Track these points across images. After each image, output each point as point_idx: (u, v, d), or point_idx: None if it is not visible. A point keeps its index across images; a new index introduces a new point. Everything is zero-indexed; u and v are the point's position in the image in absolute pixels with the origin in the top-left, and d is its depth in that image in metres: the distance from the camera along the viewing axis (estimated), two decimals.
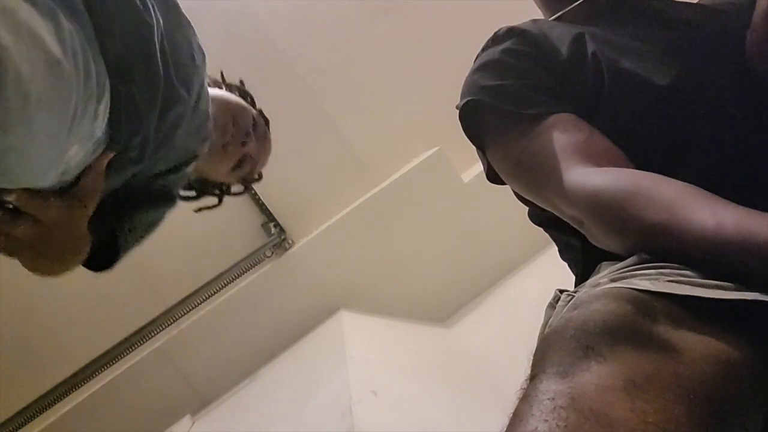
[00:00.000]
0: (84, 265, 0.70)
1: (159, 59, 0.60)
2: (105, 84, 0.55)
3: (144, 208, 0.72)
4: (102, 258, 0.71)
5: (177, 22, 0.67)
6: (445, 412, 1.14)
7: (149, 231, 0.76)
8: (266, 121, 1.04)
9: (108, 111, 0.56)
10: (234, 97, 0.96)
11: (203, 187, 1.00)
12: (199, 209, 1.02)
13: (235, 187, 1.07)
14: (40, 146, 0.48)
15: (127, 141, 0.59)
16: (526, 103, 0.65)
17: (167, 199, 0.76)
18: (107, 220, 0.67)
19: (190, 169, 0.77)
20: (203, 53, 0.74)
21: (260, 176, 1.07)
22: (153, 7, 0.61)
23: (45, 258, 0.61)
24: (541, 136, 0.63)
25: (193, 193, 1.00)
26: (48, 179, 0.53)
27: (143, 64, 0.59)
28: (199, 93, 0.71)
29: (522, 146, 0.65)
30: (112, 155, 0.58)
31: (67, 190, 0.58)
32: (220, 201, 1.04)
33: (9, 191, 0.52)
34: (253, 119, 0.97)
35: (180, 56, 0.65)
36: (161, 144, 0.65)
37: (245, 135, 0.94)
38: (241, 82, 1.05)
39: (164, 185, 0.74)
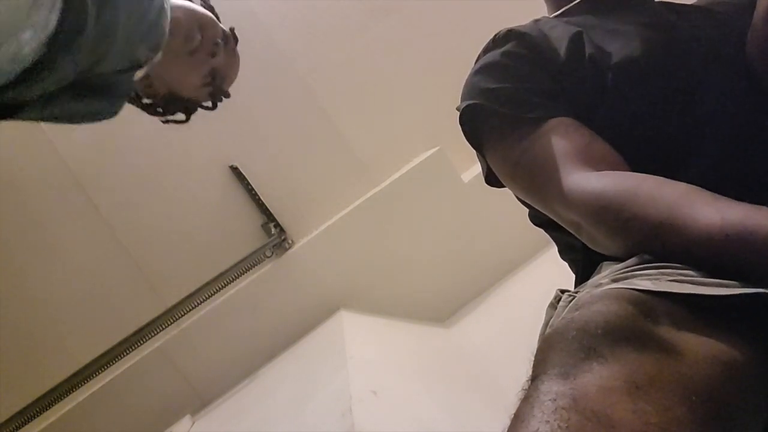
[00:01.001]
0: None
1: None
2: None
3: (66, 94, 0.71)
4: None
5: None
6: (445, 412, 1.14)
7: (71, 118, 0.75)
8: (236, 39, 1.03)
9: (62, 3, 0.55)
10: (202, 9, 0.95)
11: (171, 102, 0.99)
12: (167, 121, 1.01)
13: (205, 104, 1.05)
14: (3, 20, 0.48)
15: (73, 37, 0.59)
16: (526, 106, 0.65)
17: (102, 93, 0.75)
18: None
19: (136, 76, 0.76)
20: None
21: (228, 94, 1.06)
22: None
23: None
24: (541, 140, 0.63)
25: (160, 110, 0.99)
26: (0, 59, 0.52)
27: None
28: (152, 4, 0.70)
29: (521, 150, 0.65)
30: None
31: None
32: (188, 117, 1.04)
33: None
34: (223, 33, 0.97)
35: None
36: (100, 43, 0.64)
37: (214, 45, 0.94)
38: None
39: (103, 83, 0.72)
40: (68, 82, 0.65)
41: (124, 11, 0.65)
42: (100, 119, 0.76)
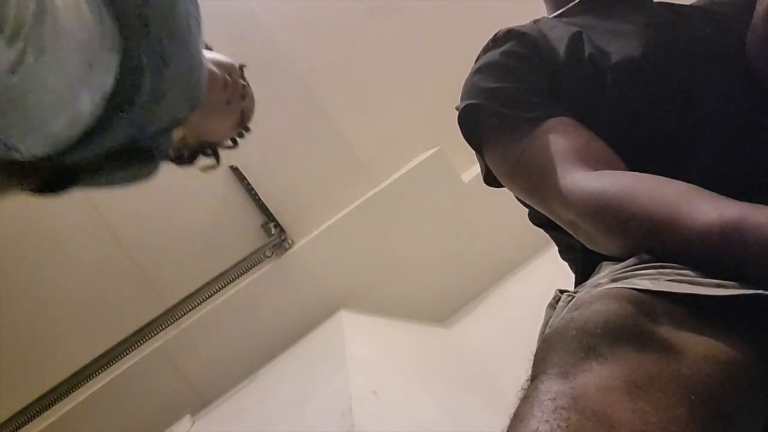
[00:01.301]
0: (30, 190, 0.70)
1: (161, 17, 0.60)
2: (117, 38, 0.55)
3: (115, 161, 0.71)
4: (55, 182, 0.70)
5: None
6: (445, 412, 1.14)
7: (114, 183, 0.75)
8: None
9: (119, 66, 0.56)
10: (221, 55, 0.96)
11: (200, 150, 1.00)
12: (206, 168, 1.02)
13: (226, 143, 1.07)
14: (60, 81, 0.48)
15: (130, 100, 0.59)
16: (525, 106, 0.65)
17: (143, 158, 0.76)
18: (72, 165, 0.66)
19: (172, 134, 0.77)
20: (199, 17, 0.73)
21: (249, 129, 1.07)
22: None
23: None
24: (539, 140, 0.63)
25: (187, 160, 0.99)
26: (59, 124, 0.53)
27: (149, 21, 0.59)
28: (195, 58, 0.70)
29: (520, 149, 0.65)
30: None
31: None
32: (218, 159, 1.05)
33: None
34: (240, 70, 0.98)
35: (177, 17, 0.65)
36: (153, 106, 0.65)
37: (243, 88, 0.95)
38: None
39: (142, 145, 0.73)
40: (121, 145, 0.65)
41: (177, 72, 0.66)
42: (139, 182, 0.77)
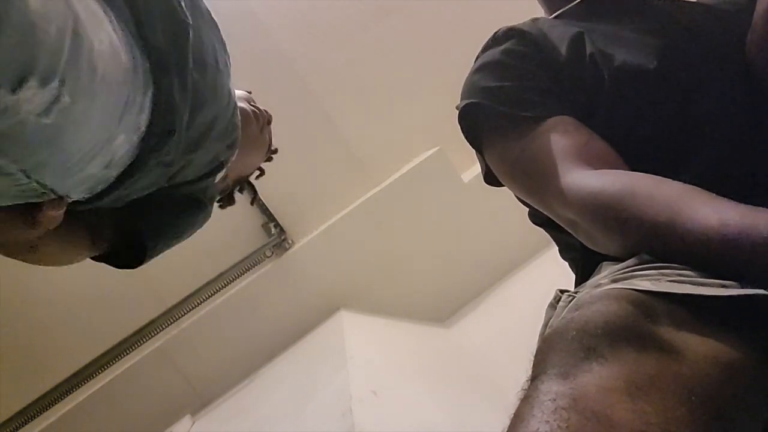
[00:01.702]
0: (107, 262, 0.71)
1: (191, 57, 0.60)
2: (149, 76, 0.55)
3: (174, 211, 0.72)
4: (129, 255, 0.71)
5: (204, 23, 0.67)
6: (445, 412, 1.14)
7: (179, 237, 0.76)
8: None
9: (151, 104, 0.56)
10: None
11: (236, 187, 1.00)
12: (252, 201, 1.03)
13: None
14: (97, 123, 0.48)
15: (164, 138, 0.59)
16: (525, 105, 0.65)
17: (195, 207, 0.76)
18: (129, 221, 0.67)
19: (218, 178, 0.76)
20: (228, 58, 0.73)
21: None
22: (184, 4, 0.61)
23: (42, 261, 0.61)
24: (539, 139, 0.63)
25: (227, 200, 1.00)
26: (95, 165, 0.52)
27: (179, 59, 0.58)
28: (227, 97, 0.70)
29: (520, 148, 0.65)
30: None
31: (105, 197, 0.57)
32: (255, 193, 1.05)
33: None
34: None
35: (206, 57, 0.65)
36: (191, 148, 0.65)
37: (265, 114, 0.95)
38: None
39: (191, 193, 0.73)
40: (158, 187, 0.65)
41: (212, 113, 0.65)
42: (194, 232, 0.78)
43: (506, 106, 0.66)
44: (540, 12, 0.84)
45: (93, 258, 0.70)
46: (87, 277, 2.12)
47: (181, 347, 2.03)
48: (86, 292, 2.11)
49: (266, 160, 1.03)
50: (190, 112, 0.61)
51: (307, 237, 2.10)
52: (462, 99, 0.71)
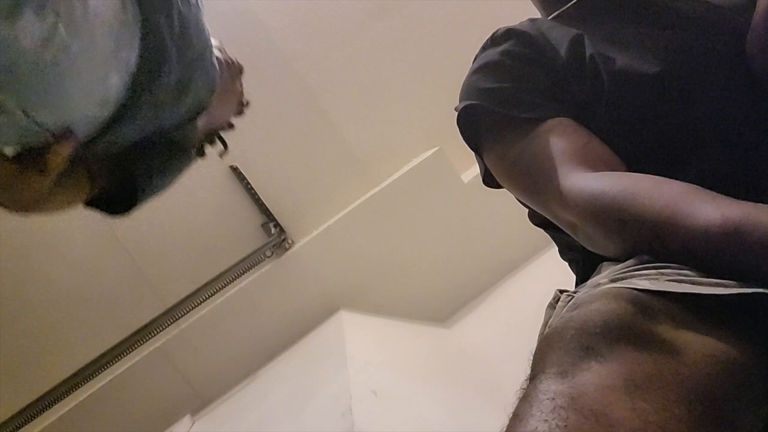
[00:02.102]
0: (99, 209, 0.70)
1: None
2: (137, 13, 0.54)
3: (162, 156, 0.71)
4: (120, 202, 0.70)
5: None
6: (445, 412, 1.14)
7: (167, 184, 0.74)
8: None
9: (140, 42, 0.55)
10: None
11: (208, 140, 0.99)
12: (223, 153, 1.01)
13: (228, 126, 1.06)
14: (92, 58, 0.47)
15: (154, 77, 0.58)
16: (524, 106, 0.65)
17: (181, 153, 0.75)
18: (124, 165, 0.66)
19: (199, 123, 0.75)
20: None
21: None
22: None
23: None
24: (538, 140, 0.63)
25: (199, 151, 0.99)
26: (92, 103, 0.52)
27: None
28: (207, 38, 0.69)
29: (519, 149, 0.65)
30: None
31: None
32: (225, 145, 1.04)
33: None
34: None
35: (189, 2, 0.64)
36: (179, 87, 0.64)
37: (239, 66, 0.93)
38: None
39: (175, 139, 0.73)
40: (152, 129, 0.65)
41: (197, 51, 0.64)
42: (179, 177, 0.76)
43: (505, 108, 0.66)
44: (537, 14, 0.84)
45: (85, 205, 0.69)
46: (87, 277, 2.12)
47: (181, 347, 2.03)
48: (86, 292, 2.11)
49: (237, 114, 1.02)
50: (178, 49, 0.60)
51: (307, 237, 2.10)
52: (461, 100, 0.71)
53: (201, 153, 0.96)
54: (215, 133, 0.98)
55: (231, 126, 1.02)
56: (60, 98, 0.47)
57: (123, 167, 0.67)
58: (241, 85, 0.96)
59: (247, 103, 1.03)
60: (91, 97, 0.51)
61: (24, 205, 0.56)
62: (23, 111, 0.44)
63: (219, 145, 1.00)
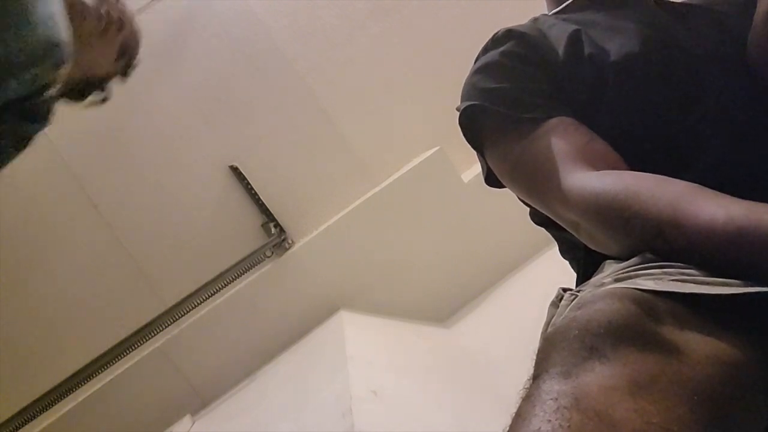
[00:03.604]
0: None
1: None
2: None
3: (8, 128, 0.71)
4: None
5: None
6: (445, 411, 1.14)
7: (12, 152, 0.76)
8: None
9: None
10: None
11: (89, 85, 0.99)
12: (91, 104, 1.02)
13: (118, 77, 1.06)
14: None
15: None
16: (525, 106, 0.65)
17: (32, 122, 0.76)
18: None
19: (49, 94, 0.75)
20: None
21: (137, 62, 1.07)
22: None
23: None
24: (540, 140, 0.63)
25: (76, 94, 0.99)
26: None
27: None
28: (43, 22, 0.68)
29: (521, 149, 0.65)
30: None
31: None
32: (106, 97, 1.04)
33: None
34: (118, 2, 0.97)
35: None
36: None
37: (120, 19, 0.94)
38: None
39: (26, 109, 0.73)
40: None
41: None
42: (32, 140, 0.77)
43: (506, 108, 0.66)
44: (542, 10, 0.84)
45: None
46: (87, 277, 2.12)
47: (181, 347, 2.03)
48: (86, 292, 2.11)
49: (123, 73, 1.02)
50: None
51: (307, 237, 2.10)
52: (462, 101, 0.71)
53: (79, 98, 0.97)
54: (98, 80, 0.98)
55: (117, 75, 1.02)
56: None
57: None
58: (124, 39, 0.96)
59: (135, 65, 1.03)
60: None
61: None
62: None
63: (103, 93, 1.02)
